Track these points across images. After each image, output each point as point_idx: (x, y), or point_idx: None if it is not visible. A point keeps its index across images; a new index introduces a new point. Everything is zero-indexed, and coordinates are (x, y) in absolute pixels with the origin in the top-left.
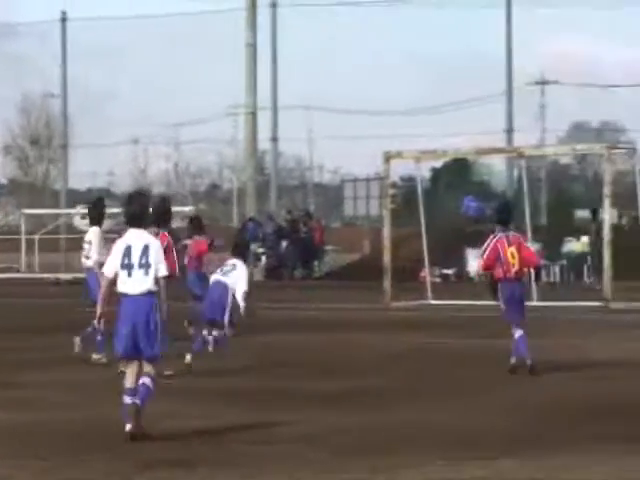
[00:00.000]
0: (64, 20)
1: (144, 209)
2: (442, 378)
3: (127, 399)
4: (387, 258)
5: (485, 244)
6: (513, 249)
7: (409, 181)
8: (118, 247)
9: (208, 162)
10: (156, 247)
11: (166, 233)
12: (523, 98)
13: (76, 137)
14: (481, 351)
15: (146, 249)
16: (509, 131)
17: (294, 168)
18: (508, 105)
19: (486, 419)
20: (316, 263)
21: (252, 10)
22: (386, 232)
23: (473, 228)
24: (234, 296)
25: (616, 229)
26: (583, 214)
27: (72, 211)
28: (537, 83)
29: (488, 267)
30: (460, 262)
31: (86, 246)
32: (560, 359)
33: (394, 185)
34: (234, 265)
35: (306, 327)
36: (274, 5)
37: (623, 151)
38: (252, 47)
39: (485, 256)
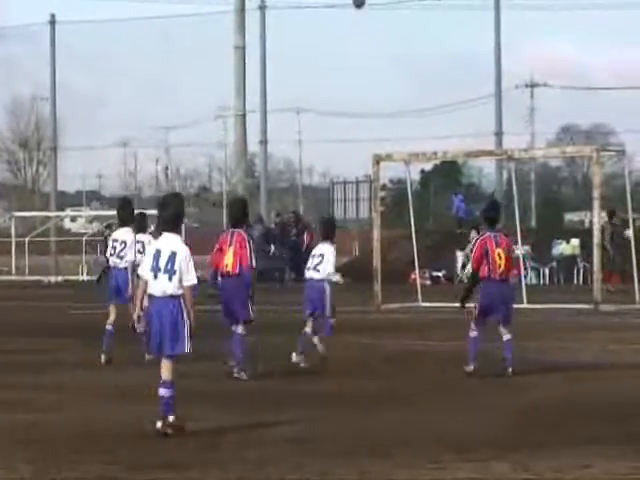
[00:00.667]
0: (53, 23)
1: (178, 213)
2: (432, 380)
3: (161, 391)
4: (377, 260)
5: (472, 243)
6: (500, 250)
7: (398, 183)
8: (150, 250)
9: (198, 165)
10: (183, 254)
11: (241, 232)
12: (513, 101)
13: (66, 140)
14: None
15: (173, 256)
16: (498, 134)
17: (284, 170)
18: (497, 108)
19: (476, 421)
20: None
21: (240, 13)
22: (376, 234)
23: (462, 230)
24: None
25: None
26: (573, 216)
27: (62, 214)
28: (526, 86)
29: (477, 266)
30: (450, 264)
31: (117, 246)
32: (548, 361)
33: (383, 187)
34: (322, 256)
35: (296, 329)
36: (263, 8)
37: (612, 153)
38: (241, 50)
39: (473, 255)
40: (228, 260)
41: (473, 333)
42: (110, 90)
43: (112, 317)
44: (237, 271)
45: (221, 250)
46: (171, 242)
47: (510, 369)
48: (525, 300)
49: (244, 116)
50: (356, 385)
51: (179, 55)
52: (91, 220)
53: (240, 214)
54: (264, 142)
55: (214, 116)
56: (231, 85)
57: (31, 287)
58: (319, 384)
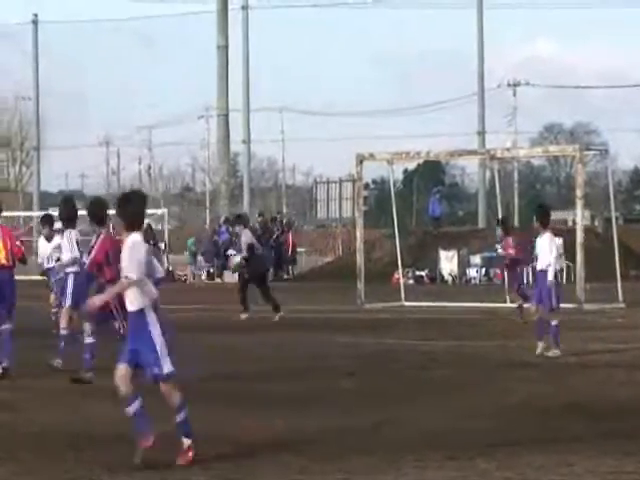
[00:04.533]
0: (35, 23)
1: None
2: (415, 379)
3: None
4: (360, 259)
5: (93, 243)
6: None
7: (381, 183)
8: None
9: (181, 164)
10: None
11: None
12: (495, 100)
13: (49, 139)
14: (453, 352)
15: None
16: (481, 133)
17: (267, 170)
18: (480, 107)
19: (459, 420)
20: (290, 267)
21: (223, 12)
22: (359, 234)
23: (443, 230)
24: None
25: (588, 231)
26: (556, 216)
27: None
28: (509, 85)
29: (95, 266)
30: (433, 264)
31: None
32: (530, 360)
33: (366, 187)
34: (542, 245)
35: (279, 328)
36: (246, 7)
37: (595, 152)
38: (223, 49)
39: (94, 255)
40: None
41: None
42: (93, 89)
43: None
44: (11, 263)
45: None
46: None
47: None
48: (508, 299)
49: (227, 115)
50: (338, 384)
51: (163, 54)
52: None
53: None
54: (247, 141)
55: (197, 115)
56: (214, 84)
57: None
58: (301, 383)
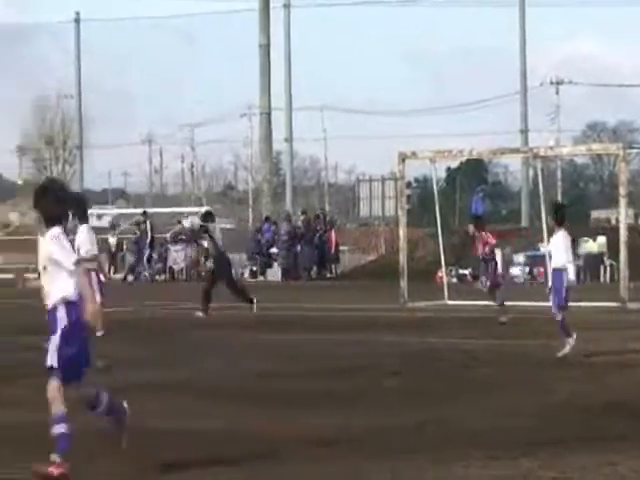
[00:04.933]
0: (78, 21)
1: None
2: (458, 378)
3: None
4: (403, 258)
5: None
6: None
7: (424, 182)
8: None
9: (223, 162)
10: None
11: None
12: (538, 98)
13: (91, 137)
14: (496, 351)
15: None
16: (524, 131)
17: (309, 168)
18: (523, 105)
19: (502, 419)
20: (333, 265)
21: (265, 11)
22: (402, 232)
23: (476, 232)
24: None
25: (632, 229)
26: (599, 214)
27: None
28: (551, 83)
29: None
30: (476, 262)
31: None
32: (571, 359)
33: (409, 185)
34: (556, 244)
35: (322, 327)
36: (287, 6)
37: (639, 151)
38: (265, 48)
39: None
40: None
41: None
42: (135, 87)
43: None
44: None
45: None
46: None
47: None
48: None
49: (269, 114)
50: (381, 383)
51: (205, 52)
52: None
53: None
54: (289, 140)
55: (240, 114)
56: (257, 83)
57: None
58: (343, 382)
